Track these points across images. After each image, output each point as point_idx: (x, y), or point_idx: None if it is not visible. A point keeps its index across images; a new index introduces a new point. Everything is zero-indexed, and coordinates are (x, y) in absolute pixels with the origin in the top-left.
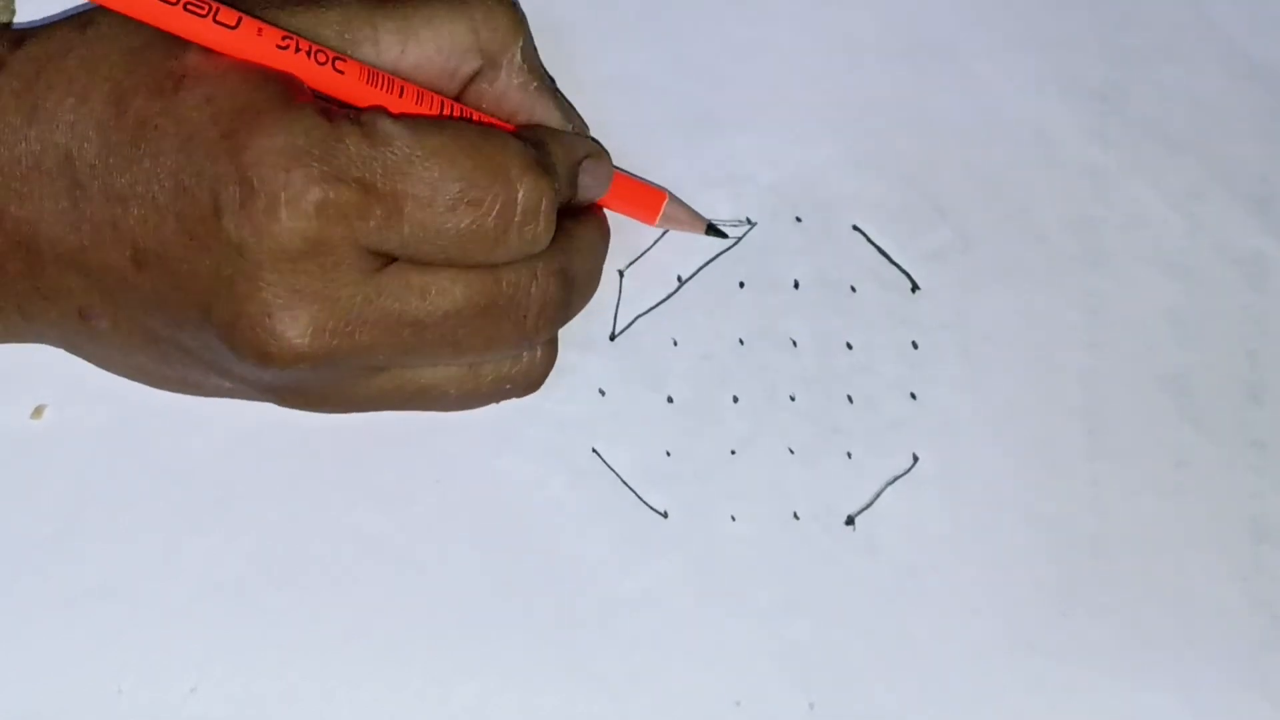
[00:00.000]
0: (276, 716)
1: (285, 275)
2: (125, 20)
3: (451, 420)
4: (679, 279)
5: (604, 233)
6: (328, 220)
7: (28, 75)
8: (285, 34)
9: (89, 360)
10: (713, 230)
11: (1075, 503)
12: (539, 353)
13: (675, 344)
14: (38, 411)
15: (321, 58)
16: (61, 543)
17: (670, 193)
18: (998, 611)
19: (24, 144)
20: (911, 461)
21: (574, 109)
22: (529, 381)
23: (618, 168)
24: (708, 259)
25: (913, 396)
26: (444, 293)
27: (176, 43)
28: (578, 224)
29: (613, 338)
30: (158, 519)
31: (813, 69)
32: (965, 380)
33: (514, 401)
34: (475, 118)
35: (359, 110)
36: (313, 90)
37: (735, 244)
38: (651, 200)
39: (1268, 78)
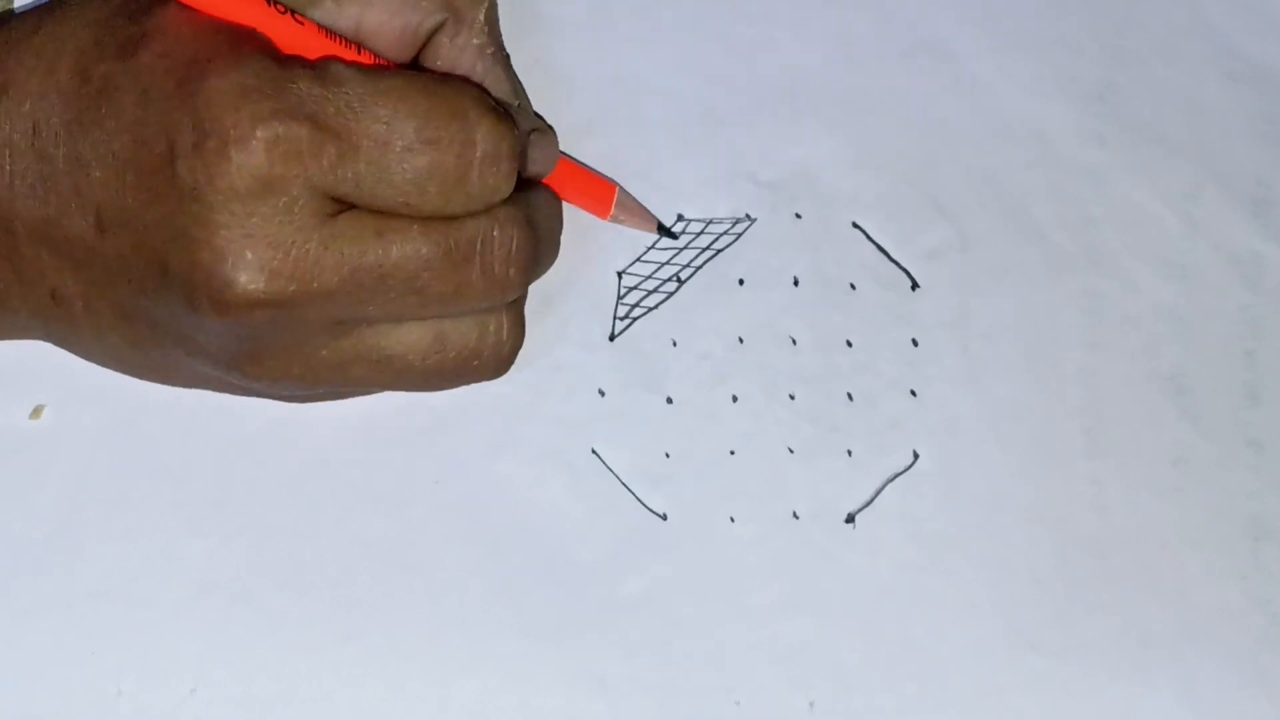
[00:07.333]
0: (276, 716)
1: (238, 218)
2: None
3: (451, 420)
4: (678, 279)
5: (558, 202)
6: (279, 158)
7: None
8: None
9: (69, 349)
10: (663, 231)
11: (1074, 501)
12: (505, 325)
13: (674, 344)
14: (37, 411)
15: (280, 8)
16: (61, 543)
17: (621, 186)
18: (997, 610)
19: None
20: (911, 459)
21: (523, 88)
22: (498, 358)
23: (570, 156)
24: (707, 258)
25: (913, 394)
26: (403, 235)
27: (141, 9)
28: (532, 189)
29: (612, 338)
30: (158, 519)
31: (812, 68)
32: (965, 378)
33: (513, 402)
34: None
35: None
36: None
37: (735, 241)
38: (602, 192)
39: (1265, 79)
